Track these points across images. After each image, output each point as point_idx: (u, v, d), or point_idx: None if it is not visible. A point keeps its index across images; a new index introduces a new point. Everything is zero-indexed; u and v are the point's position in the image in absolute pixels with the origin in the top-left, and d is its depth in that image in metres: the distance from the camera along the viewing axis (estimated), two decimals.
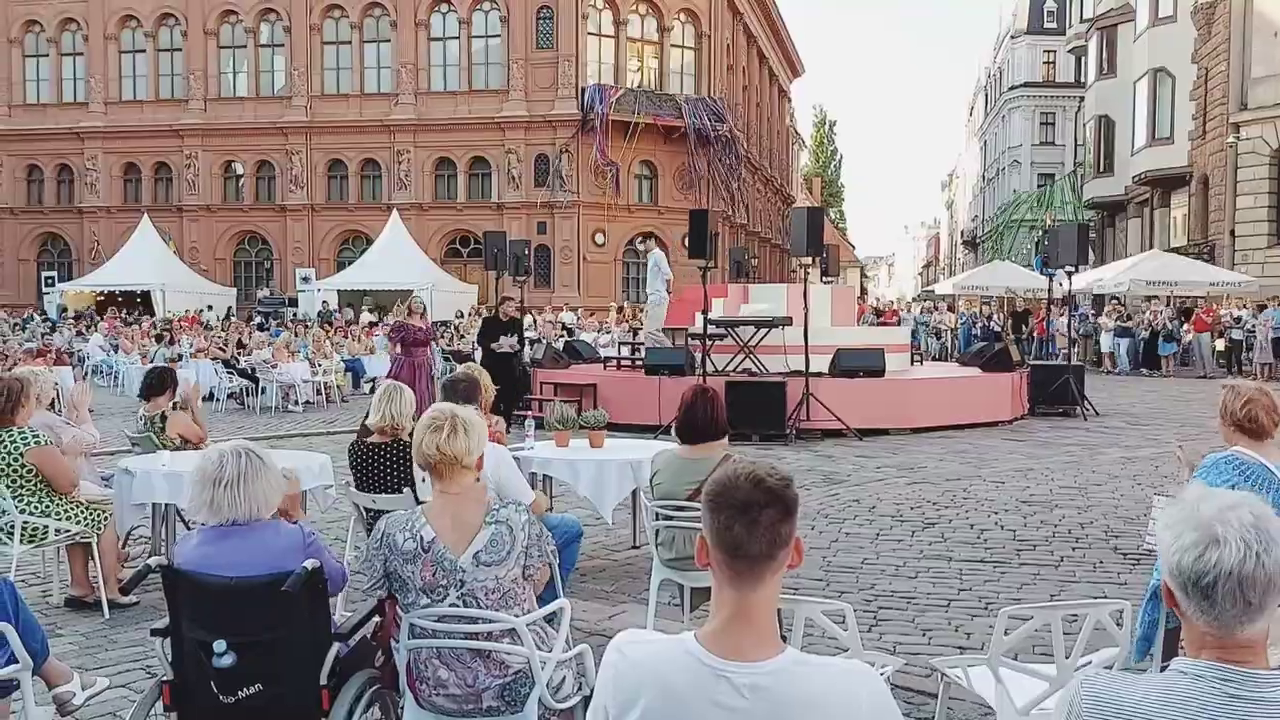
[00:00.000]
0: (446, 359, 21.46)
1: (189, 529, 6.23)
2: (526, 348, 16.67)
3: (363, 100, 38.34)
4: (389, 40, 38.12)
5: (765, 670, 1.87)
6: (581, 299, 35.17)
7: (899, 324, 28.29)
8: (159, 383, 7.10)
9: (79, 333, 27.21)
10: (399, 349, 13.21)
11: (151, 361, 18.23)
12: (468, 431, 3.24)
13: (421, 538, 3.11)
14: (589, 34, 37.10)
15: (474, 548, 3.11)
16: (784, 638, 3.36)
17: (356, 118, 38.11)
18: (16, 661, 3.66)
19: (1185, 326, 25.10)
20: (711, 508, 1.93)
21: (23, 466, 5.64)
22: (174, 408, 7.00)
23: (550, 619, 3.39)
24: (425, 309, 13.76)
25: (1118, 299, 28.13)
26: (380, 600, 3.30)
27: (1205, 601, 1.71)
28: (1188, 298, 27.81)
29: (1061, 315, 22.43)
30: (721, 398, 4.89)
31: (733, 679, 1.87)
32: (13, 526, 5.60)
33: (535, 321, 27.01)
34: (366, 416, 5.63)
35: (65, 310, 33.77)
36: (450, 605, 3.10)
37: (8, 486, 5.61)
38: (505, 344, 13.56)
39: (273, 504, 3.23)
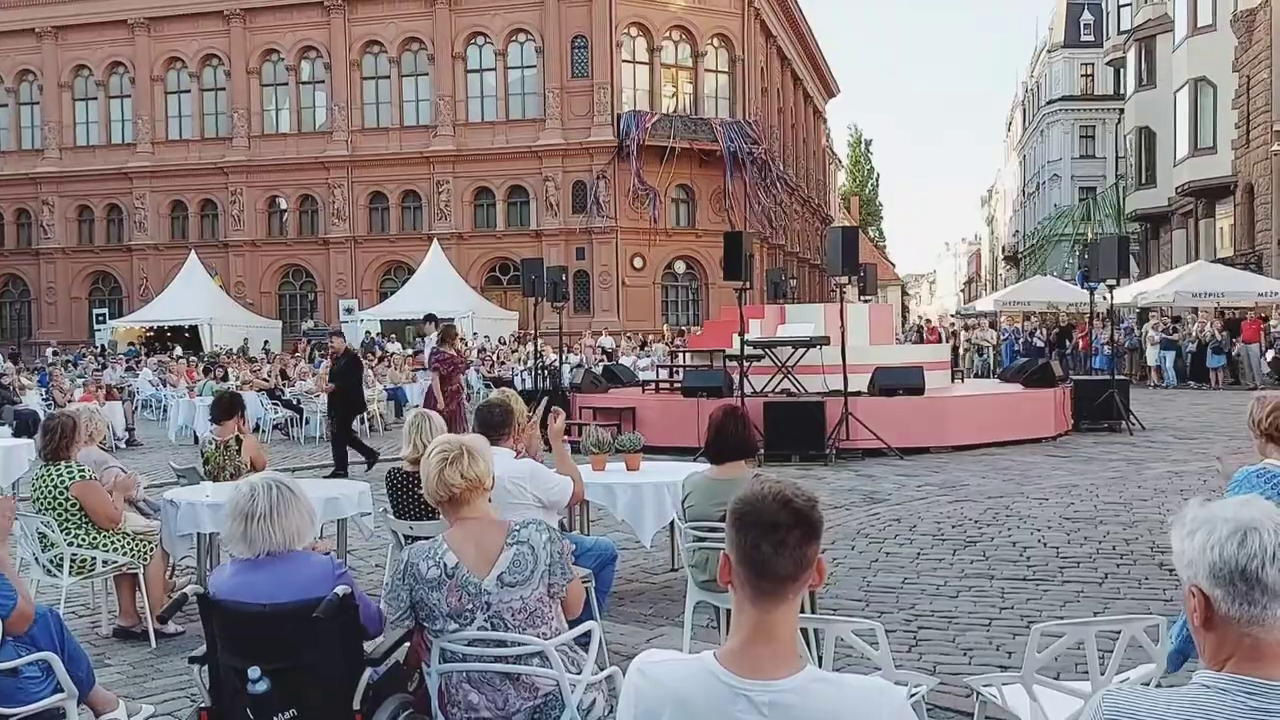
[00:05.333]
0: (486, 385, 21.67)
1: (233, 559, 6.33)
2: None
3: (402, 133, 38.87)
4: (427, 74, 38.64)
5: (785, 688, 1.88)
6: (621, 323, 35.27)
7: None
8: (230, 407, 7.28)
9: (129, 368, 27.72)
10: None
11: (200, 395, 18.51)
12: (482, 454, 3.30)
13: (445, 564, 3.15)
14: (623, 61, 37.37)
15: (497, 569, 3.15)
16: (819, 659, 3.37)
17: (396, 150, 38.63)
18: (63, 690, 3.74)
19: (1234, 340, 24.64)
20: (738, 526, 1.94)
21: (68, 500, 5.77)
22: (238, 440, 7.15)
23: (581, 641, 3.41)
24: (453, 330, 13.89)
25: (1163, 310, 27.69)
26: (409, 629, 3.34)
27: (1255, 590, 1.68)
28: (1235, 308, 27.32)
29: (1104, 329, 22.13)
30: (749, 416, 4.90)
31: (752, 697, 1.88)
32: (62, 559, 5.72)
33: (580, 346, 27.15)
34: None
35: (114, 346, 34.43)
36: (478, 628, 3.13)
37: (56, 519, 5.74)
38: (319, 384, 12.55)
39: (305, 536, 3.29)
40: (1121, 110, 44.04)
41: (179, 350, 29.64)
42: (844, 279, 14.00)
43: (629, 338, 31.47)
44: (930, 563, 7.32)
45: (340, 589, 3.09)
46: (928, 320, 47.76)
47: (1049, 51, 58.91)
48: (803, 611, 2.06)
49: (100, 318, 38.80)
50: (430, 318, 15.33)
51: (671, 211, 37.98)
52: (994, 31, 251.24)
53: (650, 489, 6.44)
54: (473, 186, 38.29)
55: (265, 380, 21.20)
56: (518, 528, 3.23)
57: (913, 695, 3.36)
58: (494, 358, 26.52)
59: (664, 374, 18.05)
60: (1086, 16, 54.92)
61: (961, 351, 29.72)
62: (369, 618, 3.25)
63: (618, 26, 36.83)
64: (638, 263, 37.20)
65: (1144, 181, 38.49)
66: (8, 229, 42.61)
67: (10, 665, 3.66)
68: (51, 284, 41.59)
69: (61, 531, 5.73)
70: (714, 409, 4.92)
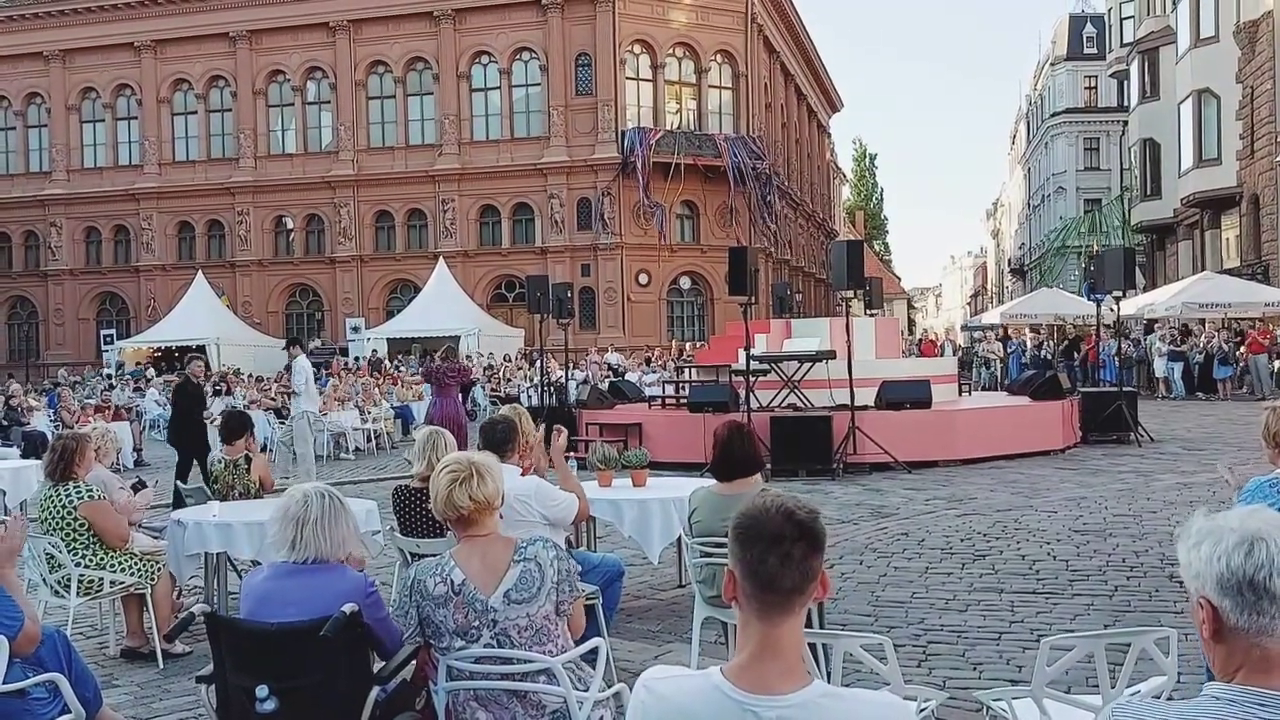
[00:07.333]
0: (493, 402, 21.69)
1: (240, 578, 6.32)
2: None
3: (408, 152, 39.02)
4: (432, 93, 38.82)
5: (792, 703, 1.87)
6: (626, 339, 35.31)
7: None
8: (239, 426, 7.25)
9: (136, 388, 27.76)
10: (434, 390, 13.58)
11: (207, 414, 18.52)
12: (492, 474, 3.30)
13: (452, 581, 3.15)
14: (627, 78, 37.53)
15: (504, 586, 3.14)
16: (827, 674, 3.35)
17: (402, 169, 38.78)
18: (70, 712, 3.74)
19: (1241, 350, 24.58)
20: (742, 541, 1.93)
21: (76, 520, 5.77)
22: (247, 459, 7.14)
23: (588, 658, 3.40)
24: (455, 352, 13.95)
25: (1170, 322, 27.64)
26: (417, 645, 3.34)
27: (1263, 600, 1.67)
28: (1242, 319, 27.24)
29: (1113, 340, 22.08)
30: (754, 432, 4.89)
31: (760, 712, 1.87)
32: (69, 580, 5.72)
33: (582, 363, 27.18)
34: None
35: (122, 366, 34.48)
36: (484, 646, 3.12)
37: (64, 540, 5.75)
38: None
39: (348, 547, 3.37)
40: (1125, 122, 44.05)
41: (151, 373, 29.64)
42: (849, 293, 14.00)
43: (630, 355, 31.52)
44: (939, 577, 7.29)
45: (348, 606, 3.10)
46: (926, 331, 47.74)
47: (1052, 64, 59.00)
48: (811, 626, 2.05)
49: (108, 338, 38.91)
50: (294, 341, 15.32)
51: (676, 227, 38.06)
52: (997, 45, 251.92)
53: (657, 505, 6.42)
54: (478, 204, 38.42)
55: (273, 399, 21.24)
56: (524, 545, 3.23)
57: (922, 710, 3.35)
58: (500, 375, 26.57)
59: (670, 389, 18.05)
60: (1089, 29, 55.02)
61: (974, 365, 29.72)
62: (391, 638, 3.26)
63: (621, 44, 36.99)
64: (643, 278, 37.26)
65: (1149, 193, 38.47)
66: (15, 251, 42.82)
67: (17, 686, 3.65)
68: (59, 305, 41.75)
69: (69, 552, 5.73)
70: (719, 426, 4.91)
